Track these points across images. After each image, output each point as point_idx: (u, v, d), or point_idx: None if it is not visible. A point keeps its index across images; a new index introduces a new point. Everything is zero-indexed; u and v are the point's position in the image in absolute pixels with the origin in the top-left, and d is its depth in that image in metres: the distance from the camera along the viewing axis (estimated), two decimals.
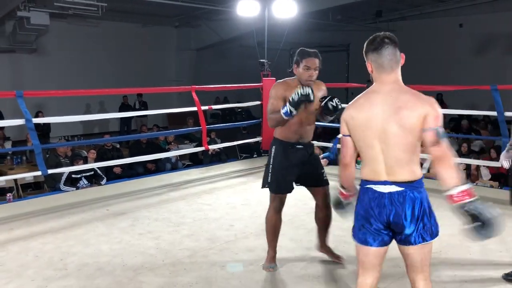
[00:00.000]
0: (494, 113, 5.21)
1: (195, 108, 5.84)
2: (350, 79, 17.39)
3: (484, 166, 5.92)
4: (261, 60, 7.16)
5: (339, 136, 2.20)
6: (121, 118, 12.96)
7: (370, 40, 2.11)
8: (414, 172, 2.03)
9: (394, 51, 2.06)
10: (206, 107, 6.15)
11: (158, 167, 8.02)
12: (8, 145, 9.01)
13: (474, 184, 5.84)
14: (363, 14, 15.49)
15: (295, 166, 3.20)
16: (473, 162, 5.96)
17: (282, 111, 2.97)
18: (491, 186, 5.72)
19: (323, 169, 3.33)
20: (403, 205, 2.01)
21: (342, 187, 2.25)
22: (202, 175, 6.01)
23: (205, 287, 3.00)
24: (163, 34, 15.80)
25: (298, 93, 2.91)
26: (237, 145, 7.87)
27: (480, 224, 1.91)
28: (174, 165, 8.43)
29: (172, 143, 9.14)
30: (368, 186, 2.07)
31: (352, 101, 2.14)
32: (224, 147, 7.26)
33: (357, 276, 2.16)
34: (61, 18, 12.00)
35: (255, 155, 7.45)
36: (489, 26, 13.89)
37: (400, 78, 2.09)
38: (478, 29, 14.19)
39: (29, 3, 10.40)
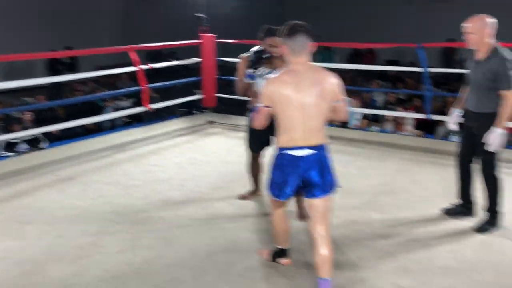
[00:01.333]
0: (419, 69, 5.67)
1: (133, 68, 5.81)
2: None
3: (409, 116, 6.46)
4: (198, 15, 7.07)
5: (259, 105, 2.55)
6: (51, 74, 12.35)
7: (287, 27, 2.50)
8: (323, 137, 2.52)
9: (305, 39, 2.46)
10: (146, 66, 6.11)
11: (97, 125, 7.94)
12: None
13: (401, 133, 6.39)
14: None
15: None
16: (401, 114, 6.48)
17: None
18: (417, 135, 6.29)
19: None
20: (314, 164, 2.48)
21: None
22: (145, 135, 6.07)
23: (166, 247, 3.22)
24: None
25: (249, 55, 3.38)
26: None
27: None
28: (113, 122, 8.37)
29: (108, 100, 8.99)
30: (284, 152, 2.51)
31: (274, 77, 2.50)
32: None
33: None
34: None
35: (195, 111, 7.54)
36: None
37: (309, 60, 2.51)
38: None
39: None
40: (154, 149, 5.58)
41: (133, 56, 5.74)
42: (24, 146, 5.93)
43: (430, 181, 4.42)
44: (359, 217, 3.70)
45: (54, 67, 12.44)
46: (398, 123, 6.81)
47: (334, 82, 2.48)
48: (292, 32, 2.46)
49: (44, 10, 13.61)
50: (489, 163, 3.33)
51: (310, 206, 2.56)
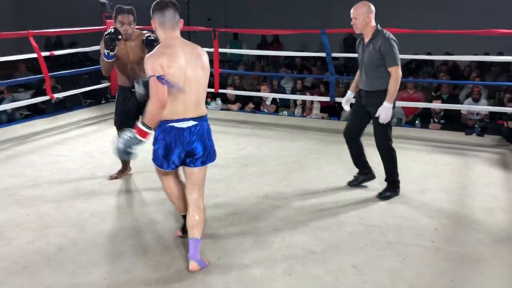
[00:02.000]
0: (323, 54, 5.97)
1: (30, 55, 5.48)
2: (190, 17, 17.42)
3: (316, 101, 6.77)
4: (102, 1, 6.83)
5: (152, 76, 2.39)
6: None
7: (157, 2, 2.54)
8: (205, 108, 2.64)
9: (174, 14, 2.52)
10: (47, 53, 5.78)
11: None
12: None
13: (309, 116, 6.69)
14: None
15: (131, 110, 3.76)
16: (308, 98, 6.78)
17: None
18: (322, 118, 6.62)
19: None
20: (197, 135, 2.56)
21: (148, 127, 2.46)
22: (49, 126, 5.77)
23: (79, 234, 3.11)
24: None
25: (104, 35, 3.46)
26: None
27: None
28: (10, 116, 7.78)
29: (5, 92, 8.33)
30: (169, 124, 2.52)
31: (158, 51, 2.45)
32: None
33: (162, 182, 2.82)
34: None
35: (103, 101, 7.27)
36: None
37: (180, 35, 2.57)
38: None
39: None
40: (60, 139, 5.32)
41: (33, 42, 5.39)
42: None
43: (337, 157, 4.70)
44: (273, 192, 3.84)
45: None
46: (306, 108, 7.11)
47: (207, 57, 2.61)
48: (161, 6, 2.50)
49: None
50: (383, 136, 3.64)
51: (188, 174, 2.67)
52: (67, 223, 3.26)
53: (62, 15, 13.84)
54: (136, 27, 3.75)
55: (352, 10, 3.53)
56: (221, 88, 6.66)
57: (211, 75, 8.31)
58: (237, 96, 7.21)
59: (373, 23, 3.53)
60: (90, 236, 3.09)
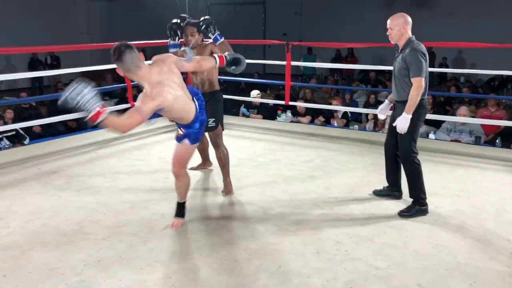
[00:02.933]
0: None
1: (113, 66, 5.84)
2: (267, 33, 17.77)
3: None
4: (183, 15, 7.17)
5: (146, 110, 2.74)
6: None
7: (112, 52, 2.72)
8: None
9: (131, 54, 2.72)
10: None
11: (79, 125, 7.92)
12: None
13: (381, 131, 6.54)
14: None
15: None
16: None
17: None
18: None
19: (212, 118, 3.97)
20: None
21: (101, 121, 2.61)
22: (129, 131, 6.09)
23: (149, 234, 3.27)
24: None
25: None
26: None
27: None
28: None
29: None
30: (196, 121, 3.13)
31: (161, 90, 2.76)
32: None
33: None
34: None
35: None
36: None
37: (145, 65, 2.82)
38: None
39: None
40: (138, 144, 5.63)
41: None
42: (6, 142, 5.92)
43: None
44: (338, 205, 3.81)
45: (36, 68, 12.39)
46: (378, 123, 6.97)
47: (171, 57, 3.07)
48: (117, 54, 2.70)
49: (23, 8, 13.52)
50: (405, 148, 3.56)
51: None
52: (139, 223, 3.45)
53: (147, 28, 14.68)
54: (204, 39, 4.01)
55: (388, 21, 3.54)
56: (291, 100, 6.72)
57: (283, 87, 8.43)
58: (307, 109, 7.23)
59: (409, 34, 3.50)
60: (159, 236, 3.25)
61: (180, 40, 4.17)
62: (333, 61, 13.96)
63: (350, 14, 15.47)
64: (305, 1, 16.98)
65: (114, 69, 6.29)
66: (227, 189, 4.05)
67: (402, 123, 3.46)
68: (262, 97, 7.96)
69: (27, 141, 5.94)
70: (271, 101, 7.66)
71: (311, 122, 7.21)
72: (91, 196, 3.97)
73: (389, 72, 11.02)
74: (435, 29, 13.00)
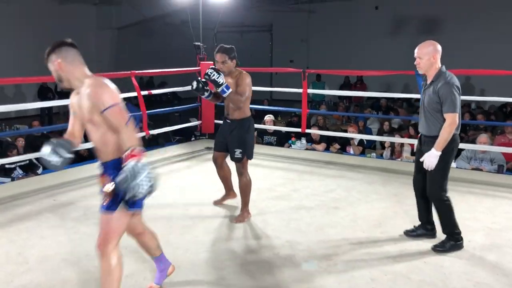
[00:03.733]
0: (411, 95, 5.79)
1: (129, 94, 5.84)
2: (274, 60, 17.87)
3: (406, 143, 6.52)
4: (197, 43, 7.18)
5: (115, 105, 2.31)
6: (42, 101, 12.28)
7: (60, 42, 2.44)
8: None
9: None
10: (146, 92, 6.13)
11: (91, 153, 7.84)
12: None
13: (399, 159, 6.43)
14: None
15: (221, 135, 4.10)
16: (397, 140, 6.55)
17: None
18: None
19: (239, 149, 3.91)
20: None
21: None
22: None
23: (176, 271, 3.13)
24: (82, 12, 15.06)
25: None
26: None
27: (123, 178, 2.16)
28: None
29: None
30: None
31: (107, 87, 2.35)
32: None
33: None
34: None
35: (192, 139, 7.51)
36: (403, 8, 14.90)
37: None
38: (392, 11, 15.14)
39: None
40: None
41: (134, 81, 5.74)
42: (19, 172, 5.82)
43: None
44: (367, 239, 3.66)
45: (45, 95, 12.39)
46: (395, 151, 6.86)
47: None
48: (67, 44, 2.41)
49: (36, 35, 13.63)
50: (434, 185, 3.37)
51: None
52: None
53: (154, 56, 14.78)
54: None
55: (416, 49, 3.35)
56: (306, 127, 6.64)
57: (298, 115, 8.32)
58: (321, 136, 7.14)
59: (439, 64, 3.33)
60: (184, 271, 3.10)
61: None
62: (342, 87, 13.96)
63: (356, 41, 15.56)
64: (311, 28, 17.12)
65: (122, 98, 6.30)
66: (242, 217, 3.99)
67: (431, 160, 3.26)
68: (274, 124, 7.88)
69: (40, 170, 5.84)
70: (287, 129, 7.57)
71: (326, 149, 7.11)
72: None
73: (399, 98, 10.99)
74: (444, 55, 13.05)
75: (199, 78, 3.92)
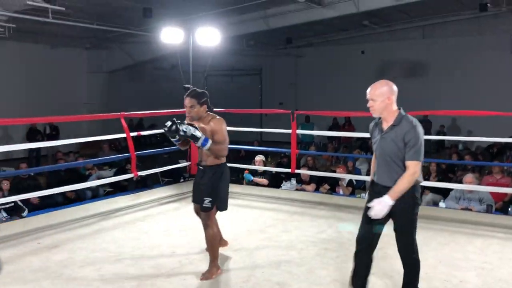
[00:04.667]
0: None
1: (118, 135, 5.83)
2: (263, 101, 18.09)
3: None
4: (186, 86, 7.23)
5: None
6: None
7: None
8: None
9: None
10: (135, 134, 6.13)
11: (78, 195, 7.73)
12: None
13: None
14: (274, 41, 16.26)
15: (195, 184, 3.86)
16: None
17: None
18: None
19: (209, 198, 3.65)
20: None
21: None
22: (132, 202, 5.93)
23: None
24: (73, 56, 15.27)
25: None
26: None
27: None
28: (95, 192, 8.17)
29: (93, 169, 8.86)
30: None
31: None
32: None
33: None
34: None
35: (181, 180, 7.47)
36: (388, 53, 15.34)
37: None
38: (378, 55, 15.57)
39: None
40: (142, 216, 5.43)
41: (124, 123, 5.75)
42: (3, 215, 5.70)
43: (426, 245, 4.37)
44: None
45: (34, 138, 12.34)
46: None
47: None
48: None
49: (29, 77, 13.70)
50: (411, 245, 3.04)
51: None
52: None
53: (144, 99, 14.91)
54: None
55: (368, 90, 2.97)
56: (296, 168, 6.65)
57: (288, 155, 8.36)
58: (311, 176, 7.14)
59: (395, 106, 2.94)
60: None
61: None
62: (331, 129, 14.14)
63: (344, 84, 15.87)
64: (299, 72, 17.48)
65: (111, 139, 6.33)
66: (209, 274, 3.63)
67: (381, 209, 2.83)
68: (264, 165, 7.88)
69: (25, 213, 5.73)
70: (276, 169, 7.57)
71: (316, 190, 7.09)
72: (95, 273, 3.73)
73: None
74: (429, 97, 13.35)
75: (174, 119, 3.52)
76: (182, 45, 7.78)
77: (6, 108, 11.71)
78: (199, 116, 3.63)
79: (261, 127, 14.91)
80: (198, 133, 3.47)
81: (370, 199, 2.98)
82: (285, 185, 7.28)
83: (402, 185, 2.84)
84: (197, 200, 3.77)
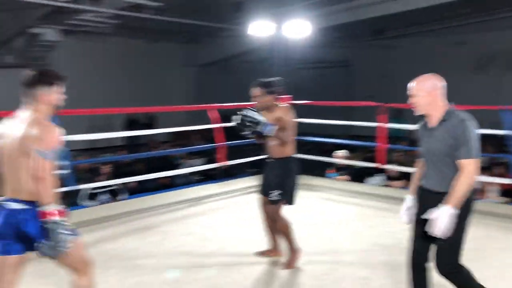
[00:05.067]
0: (503, 132, 5.46)
1: (212, 126, 6.08)
2: (352, 94, 17.71)
3: (494, 183, 6.11)
4: (273, 78, 7.33)
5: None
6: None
7: None
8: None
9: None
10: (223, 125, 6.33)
11: (172, 182, 8.18)
12: None
13: (483, 200, 6.02)
14: (364, 32, 15.80)
15: (262, 177, 3.83)
16: (485, 179, 6.16)
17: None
18: (502, 203, 5.92)
19: (278, 190, 3.58)
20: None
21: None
22: (220, 190, 6.16)
23: None
24: (168, 50, 16.06)
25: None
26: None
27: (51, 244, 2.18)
28: (187, 180, 8.60)
29: (183, 158, 9.33)
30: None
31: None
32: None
33: None
34: (72, 34, 12.22)
35: None
36: (488, 45, 14.25)
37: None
38: (477, 47, 14.52)
39: (40, 20, 10.62)
40: (229, 203, 5.64)
41: (215, 114, 5.99)
42: (105, 197, 6.20)
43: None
44: None
45: (132, 127, 13.23)
46: (480, 191, 6.44)
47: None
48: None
49: (127, 71, 14.69)
50: (451, 262, 2.57)
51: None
52: (236, 286, 3.35)
53: (235, 90, 15.30)
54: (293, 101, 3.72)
55: (410, 85, 2.72)
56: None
57: (373, 150, 8.19)
58: (401, 173, 6.89)
59: (442, 101, 2.66)
60: None
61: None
62: None
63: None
64: (392, 64, 16.84)
65: (203, 129, 6.63)
66: (290, 263, 3.62)
67: (444, 221, 2.43)
68: (350, 159, 7.74)
69: (124, 196, 6.18)
70: (362, 163, 7.41)
71: (405, 187, 6.83)
72: (184, 256, 3.96)
73: (487, 135, 10.44)
74: None
75: (248, 109, 3.52)
76: (271, 37, 7.89)
77: (108, 101, 12.69)
78: (267, 105, 3.59)
79: (351, 121, 14.61)
80: (260, 118, 3.44)
81: (421, 208, 2.68)
82: (371, 180, 7.11)
83: (461, 188, 2.48)
84: (265, 193, 3.72)
